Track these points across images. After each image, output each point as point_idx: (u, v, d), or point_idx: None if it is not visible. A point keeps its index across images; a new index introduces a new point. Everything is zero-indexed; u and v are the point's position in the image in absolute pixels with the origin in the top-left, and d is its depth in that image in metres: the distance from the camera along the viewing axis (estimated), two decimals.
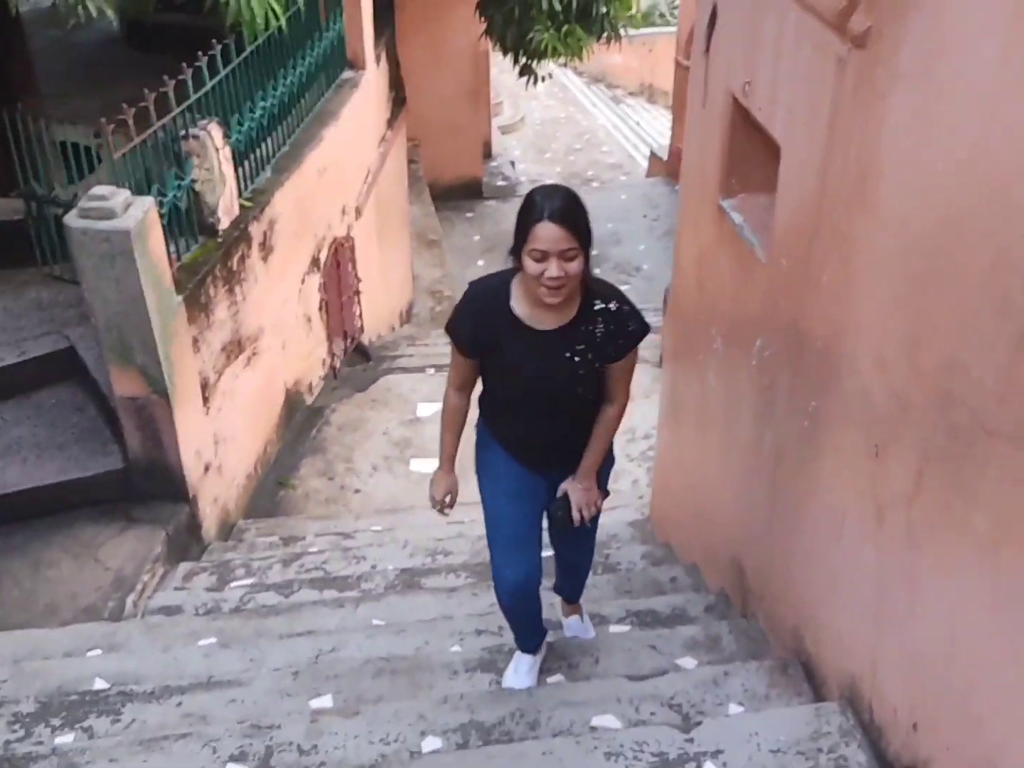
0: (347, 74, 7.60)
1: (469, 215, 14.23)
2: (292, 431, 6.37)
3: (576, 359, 2.57)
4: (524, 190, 15.13)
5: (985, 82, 1.76)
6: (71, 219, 4.17)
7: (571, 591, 3.38)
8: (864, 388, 2.36)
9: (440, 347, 8.25)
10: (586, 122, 20.52)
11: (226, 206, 5.24)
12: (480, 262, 12.66)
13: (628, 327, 2.59)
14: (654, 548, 4.43)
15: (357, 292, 7.56)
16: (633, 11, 9.04)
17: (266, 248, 5.70)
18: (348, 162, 7.30)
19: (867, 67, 2.19)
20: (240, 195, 5.48)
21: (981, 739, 1.96)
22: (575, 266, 2.41)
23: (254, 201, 5.63)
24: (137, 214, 4.18)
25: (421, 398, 6.84)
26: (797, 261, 2.72)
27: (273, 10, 5.53)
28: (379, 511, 5.66)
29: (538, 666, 3.14)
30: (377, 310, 8.49)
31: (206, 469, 5.03)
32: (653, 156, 16.13)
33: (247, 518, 5.47)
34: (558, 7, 8.47)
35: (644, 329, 2.61)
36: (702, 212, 3.57)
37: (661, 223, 13.85)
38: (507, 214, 14.37)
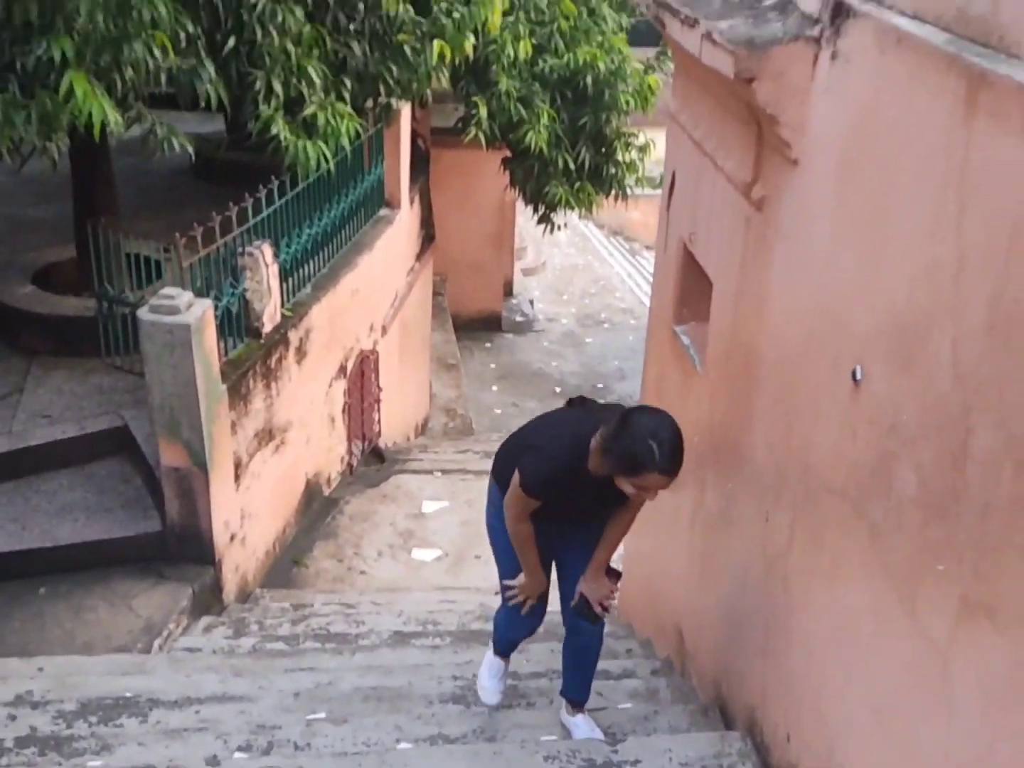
0: (383, 211, 8.49)
1: (488, 345, 15.04)
2: (309, 518, 6.93)
3: (608, 497, 2.84)
4: (540, 326, 16.16)
5: (824, 243, 2.43)
6: (143, 312, 4.89)
7: (578, 690, 3.38)
8: (759, 467, 2.96)
9: (448, 455, 8.86)
10: (602, 270, 21.61)
11: (270, 314, 5.97)
12: (494, 387, 13.41)
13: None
14: (618, 628, 4.91)
15: (378, 400, 8.23)
16: (640, 174, 9.98)
17: (301, 353, 6.40)
18: (378, 286, 8.10)
19: (763, 225, 2.87)
20: (283, 306, 6.23)
21: (824, 732, 2.46)
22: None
23: (294, 312, 6.37)
24: (197, 312, 4.90)
25: (427, 496, 7.41)
26: (721, 372, 3.35)
27: (325, 156, 6.41)
28: (380, 590, 6.15)
29: (505, 673, 3.53)
30: (394, 419, 9.14)
31: (232, 538, 5.59)
32: None
33: (263, 587, 5.98)
34: (572, 166, 9.42)
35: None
36: (662, 337, 4.23)
37: None
38: (522, 346, 15.24)
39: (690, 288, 3.84)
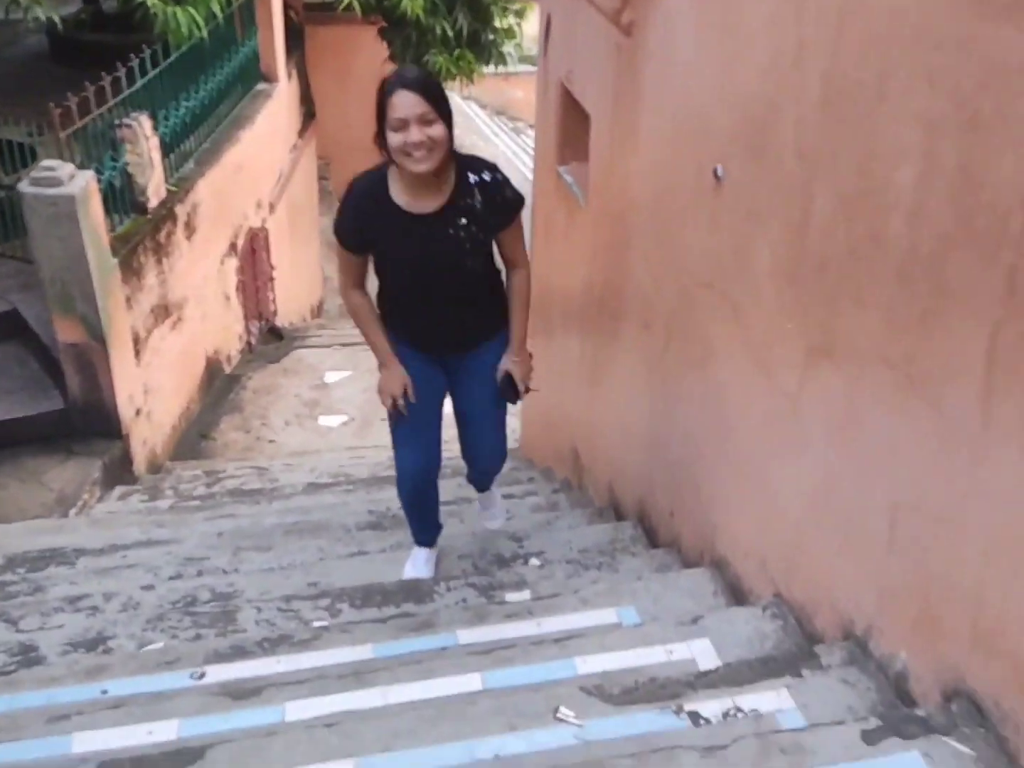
0: (261, 85, 8.29)
1: None
2: (212, 394, 6.98)
3: (461, 234, 2.57)
4: None
5: (687, 54, 2.61)
6: (24, 186, 4.78)
7: (482, 483, 3.32)
8: (637, 282, 3.20)
9: (347, 330, 8.95)
10: (488, 149, 21.41)
11: (155, 188, 5.88)
12: None
13: (506, 194, 2.62)
14: (519, 463, 5.21)
15: (271, 279, 8.22)
16: (517, 40, 9.93)
17: (189, 228, 6.34)
18: (262, 162, 7.98)
19: (632, 49, 3.04)
20: (167, 181, 6.12)
21: (700, 499, 2.78)
22: (437, 130, 2.41)
23: (179, 188, 6.28)
24: (80, 183, 4.82)
25: (329, 368, 7.53)
26: (602, 200, 3.56)
27: (196, 23, 6.23)
28: (291, 454, 6.32)
29: (434, 559, 3.19)
30: (289, 299, 9.14)
31: (137, 413, 5.64)
32: None
33: (173, 460, 6.07)
34: (450, 33, 9.32)
35: (520, 197, 2.66)
36: (546, 179, 4.40)
37: None
38: None
39: (570, 128, 3.99)
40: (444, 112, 2.44)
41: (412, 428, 2.85)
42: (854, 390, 1.94)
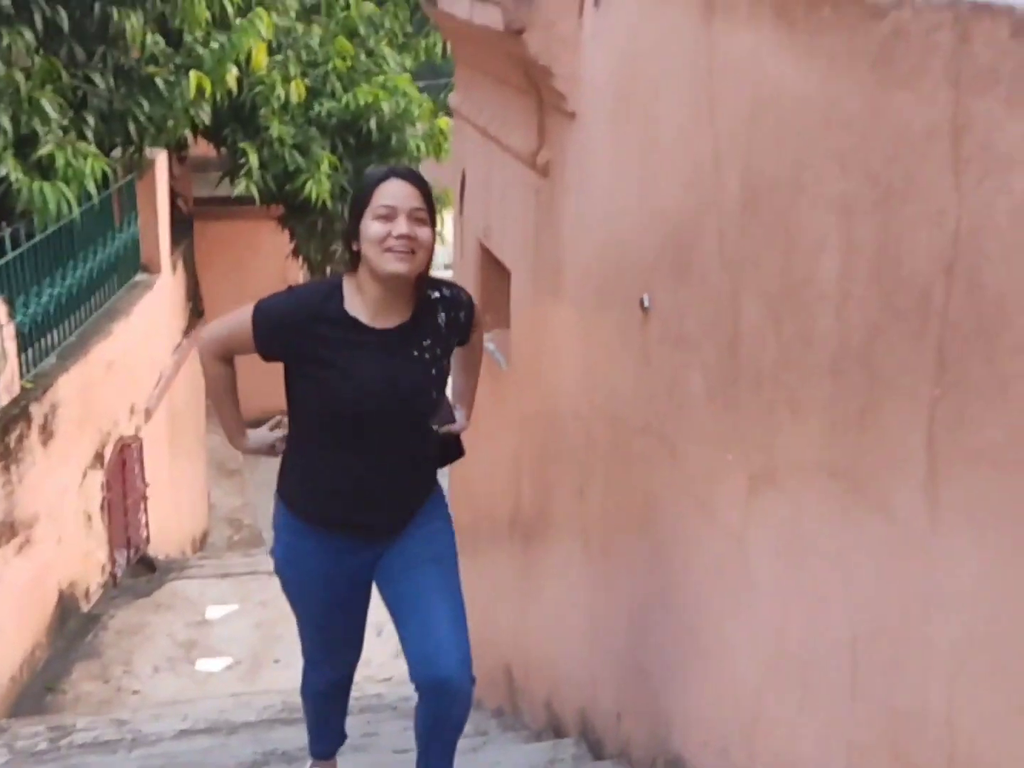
0: (141, 276, 8.65)
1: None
2: (64, 638, 6.80)
3: (426, 355, 2.57)
4: None
5: (606, 186, 2.90)
6: None
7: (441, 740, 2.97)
8: (570, 444, 3.35)
9: (235, 559, 8.88)
10: None
11: (6, 383, 6.00)
12: None
13: (465, 312, 2.69)
14: None
15: (144, 498, 8.22)
16: (439, 228, 10.56)
17: (46, 432, 6.42)
18: (138, 360, 8.20)
19: (550, 190, 3.34)
20: (22, 376, 6.26)
21: (648, 685, 2.81)
22: (426, 233, 2.45)
23: (36, 384, 6.41)
24: None
25: (211, 601, 7.42)
26: (525, 359, 3.77)
27: (68, 200, 6.59)
28: (159, 705, 6.11)
29: None
30: (167, 526, 9.09)
31: None
32: None
33: (10, 718, 5.83)
34: None
35: (478, 314, 2.79)
36: None
37: None
38: None
39: (490, 289, 4.27)
40: (434, 219, 2.51)
41: (327, 648, 2.85)
42: (800, 513, 2.06)
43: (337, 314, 2.50)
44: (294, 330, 2.48)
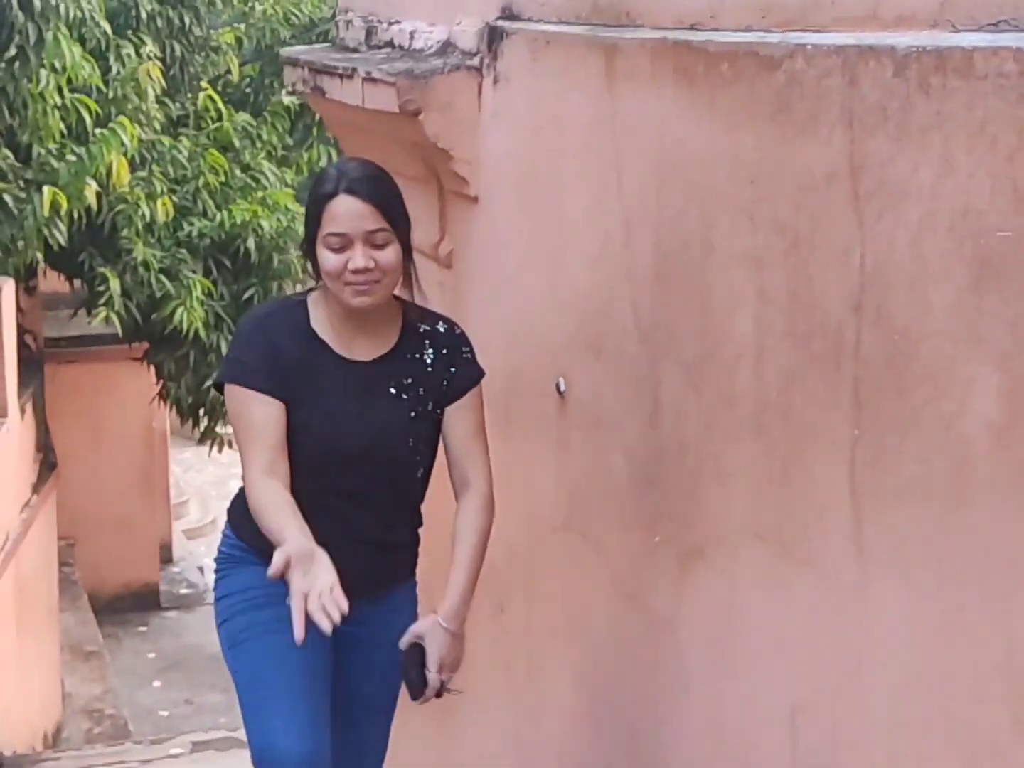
0: None
1: (142, 628, 14.84)
2: None
3: (404, 396, 2.51)
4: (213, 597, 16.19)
5: (514, 269, 3.17)
6: None
7: None
8: (489, 556, 3.52)
9: (98, 752, 8.69)
10: None
11: None
12: (156, 682, 13.24)
13: (463, 354, 2.64)
14: None
15: None
16: None
17: None
18: None
19: (454, 281, 3.60)
20: None
21: None
22: (388, 255, 2.42)
23: None
24: None
25: None
26: (439, 464, 3.96)
27: None
28: None
29: None
30: (11, 716, 8.90)
31: None
32: None
33: None
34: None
35: (480, 368, 2.69)
36: None
37: None
38: (192, 625, 15.11)
39: None
40: (400, 227, 2.47)
41: (286, 694, 2.45)
42: (733, 585, 2.27)
43: (305, 333, 2.52)
44: (274, 350, 2.46)
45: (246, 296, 10.10)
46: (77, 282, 10.28)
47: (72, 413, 12.60)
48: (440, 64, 3.31)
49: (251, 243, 9.98)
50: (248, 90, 11.59)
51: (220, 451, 11.69)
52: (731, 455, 2.24)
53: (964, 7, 1.75)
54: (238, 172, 10.62)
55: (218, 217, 9.96)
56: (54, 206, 7.53)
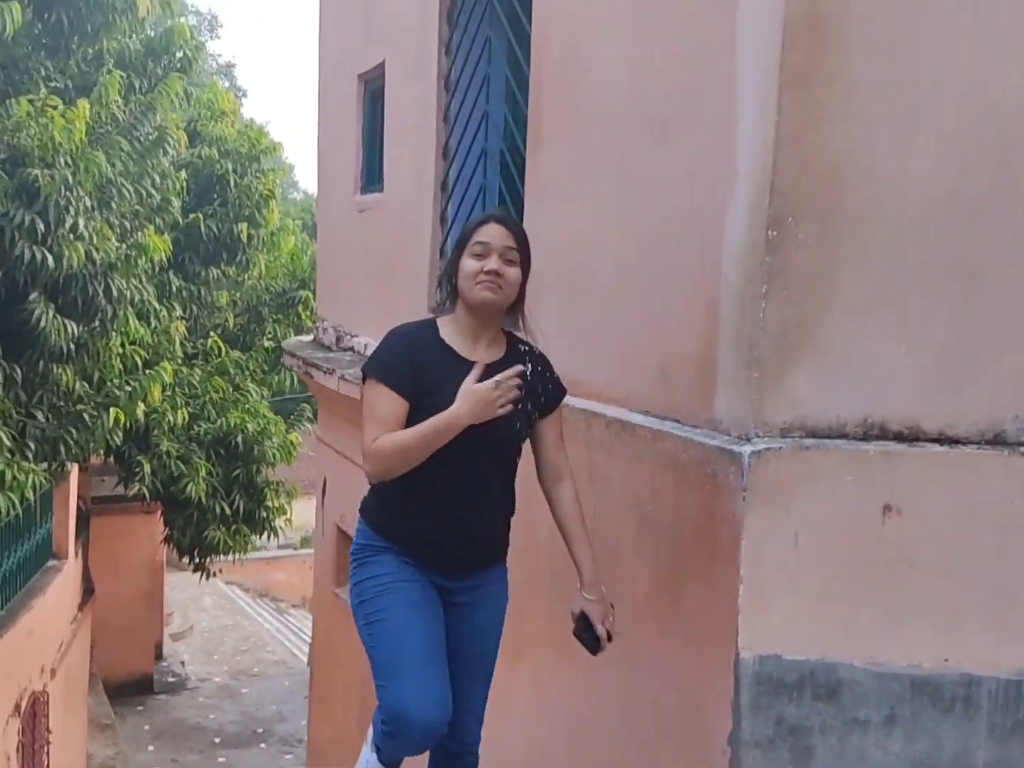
0: (52, 562, 9.22)
1: (140, 708, 14.88)
2: None
3: (515, 394, 2.32)
4: (193, 684, 16.25)
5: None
6: None
7: None
8: None
9: None
10: (252, 627, 21.97)
11: None
12: (150, 747, 13.32)
13: (553, 374, 2.56)
14: None
15: (47, 743, 8.44)
16: (288, 515, 11.55)
17: None
18: (50, 628, 8.65)
19: None
20: None
21: None
22: (512, 272, 2.38)
23: None
24: None
25: None
26: None
27: (13, 504, 7.34)
28: None
29: None
30: None
31: None
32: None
33: None
34: (228, 512, 10.82)
35: (565, 389, 2.59)
36: (325, 600, 5.64)
37: None
38: (176, 705, 15.22)
39: (343, 558, 5.36)
40: (525, 261, 2.42)
41: (419, 661, 2.33)
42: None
43: (434, 341, 2.44)
44: (412, 354, 2.40)
45: (235, 474, 10.86)
46: (113, 458, 10.91)
47: (102, 551, 12.99)
48: None
49: (240, 439, 10.79)
50: (239, 334, 12.60)
51: (208, 579, 12.22)
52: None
53: None
54: (232, 390, 11.50)
55: (219, 421, 10.78)
56: (116, 421, 8.26)
